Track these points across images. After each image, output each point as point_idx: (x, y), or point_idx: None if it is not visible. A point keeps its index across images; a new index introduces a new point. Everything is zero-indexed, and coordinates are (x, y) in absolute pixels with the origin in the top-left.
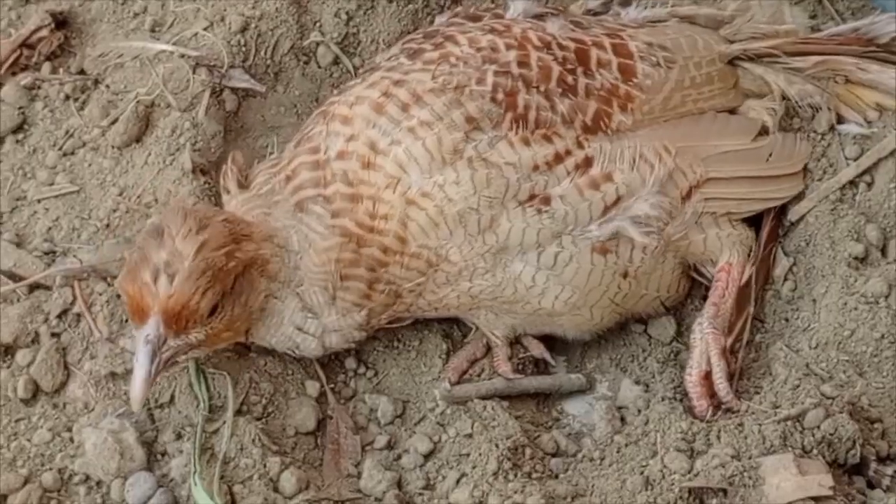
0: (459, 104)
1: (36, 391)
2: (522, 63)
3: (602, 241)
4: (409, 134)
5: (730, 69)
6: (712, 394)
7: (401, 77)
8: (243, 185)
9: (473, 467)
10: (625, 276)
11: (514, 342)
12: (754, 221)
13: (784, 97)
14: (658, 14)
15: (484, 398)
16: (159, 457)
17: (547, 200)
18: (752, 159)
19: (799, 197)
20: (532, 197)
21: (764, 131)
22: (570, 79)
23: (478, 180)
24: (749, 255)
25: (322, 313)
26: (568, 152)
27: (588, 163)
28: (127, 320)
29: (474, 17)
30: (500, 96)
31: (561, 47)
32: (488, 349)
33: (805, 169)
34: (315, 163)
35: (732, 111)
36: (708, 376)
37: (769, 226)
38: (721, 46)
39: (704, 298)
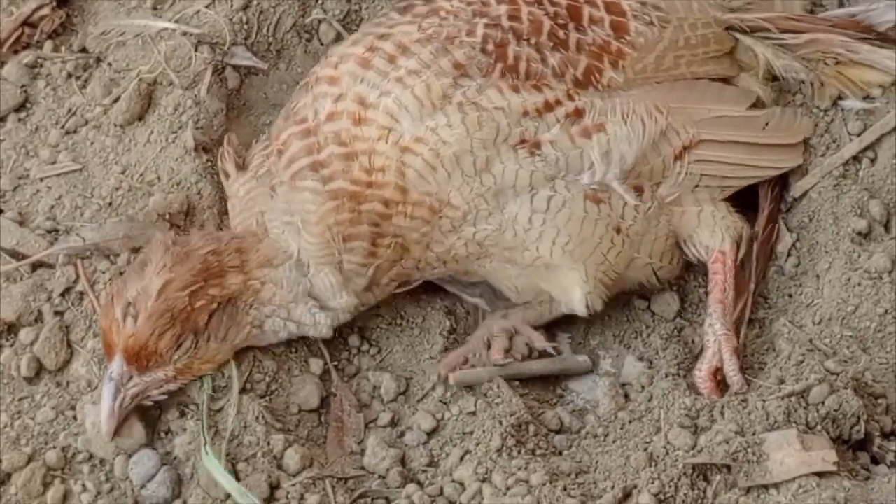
0: (447, 52)
1: (39, 369)
2: (513, 17)
3: (594, 190)
4: (397, 84)
5: (727, 35)
6: (719, 383)
7: (385, 31)
8: (241, 166)
9: (477, 444)
10: (618, 231)
11: (514, 334)
12: (753, 202)
13: (769, 69)
14: None
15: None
16: (163, 434)
17: (538, 145)
18: (748, 126)
19: (802, 172)
20: (523, 141)
21: (760, 104)
22: (561, 33)
23: (469, 123)
24: (740, 245)
25: (333, 297)
26: (558, 102)
27: (579, 113)
28: None
29: None
30: (490, 47)
31: (552, 3)
32: (488, 347)
33: (806, 143)
34: (305, 131)
35: (727, 81)
36: (717, 371)
37: (770, 203)
38: (717, 12)
39: (706, 275)
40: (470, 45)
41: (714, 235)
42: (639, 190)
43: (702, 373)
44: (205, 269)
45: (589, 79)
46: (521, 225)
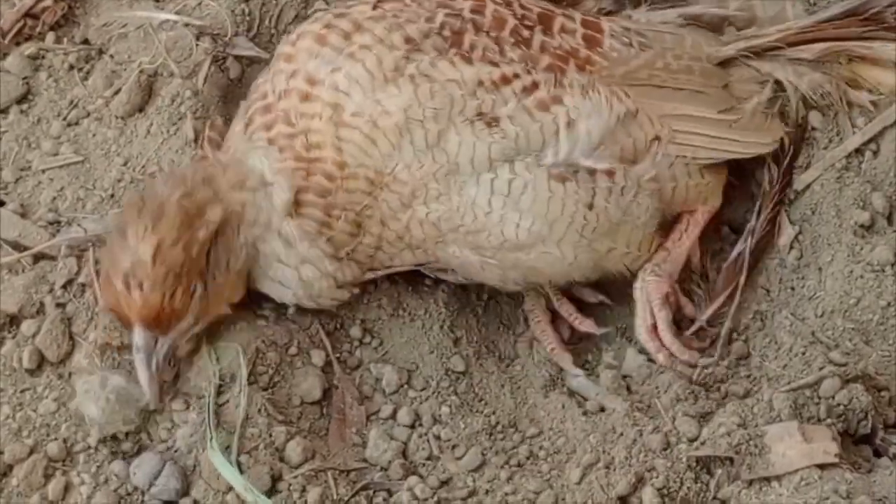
0: (399, 27)
1: (41, 361)
2: (476, 11)
3: (559, 169)
4: (348, 59)
5: (718, 70)
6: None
7: (343, 10)
8: (219, 145)
9: (478, 433)
10: (590, 207)
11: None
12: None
13: (797, 91)
14: (666, 16)
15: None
16: (165, 426)
17: (496, 120)
18: (713, 125)
19: (805, 165)
20: (480, 114)
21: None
22: (525, 33)
23: (421, 93)
24: (719, 200)
25: (295, 242)
26: (516, 75)
27: (535, 86)
28: None
29: None
30: (447, 33)
31: (523, 7)
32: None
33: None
34: (265, 107)
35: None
36: (655, 329)
37: (771, 197)
38: (713, 49)
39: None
40: (426, 25)
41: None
42: (610, 172)
43: (641, 333)
44: (185, 216)
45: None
46: (480, 208)
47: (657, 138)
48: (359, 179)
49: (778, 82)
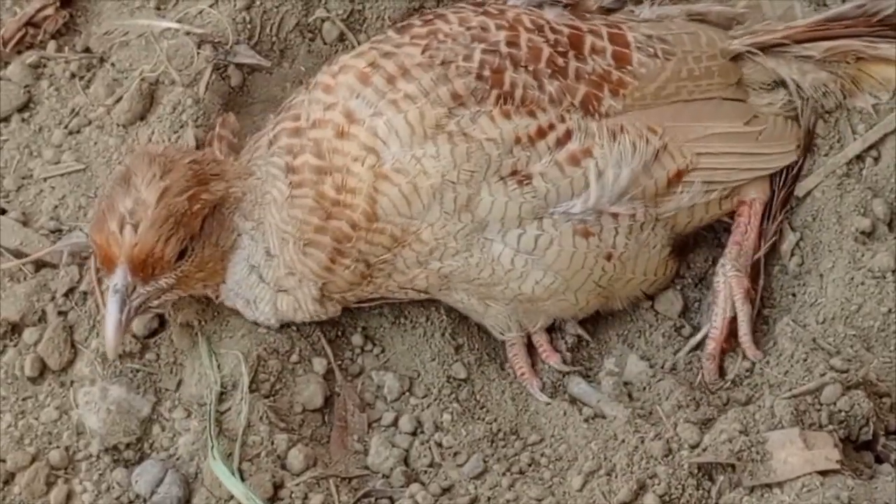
0: (447, 80)
1: (43, 369)
2: (511, 43)
3: (584, 224)
4: (391, 106)
5: (732, 65)
6: (730, 337)
7: (390, 49)
8: (235, 148)
9: (480, 441)
10: (608, 258)
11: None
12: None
13: (799, 89)
14: (670, 12)
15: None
16: (168, 434)
17: (529, 177)
18: (741, 139)
19: (806, 172)
20: (514, 173)
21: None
22: (560, 61)
23: (457, 154)
24: (771, 194)
25: (277, 257)
26: (551, 126)
27: (568, 136)
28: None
29: (478, 3)
30: (487, 73)
31: (554, 31)
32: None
33: (799, 146)
34: (295, 129)
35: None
36: (733, 323)
37: (778, 205)
38: (725, 43)
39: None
40: (467, 71)
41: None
42: (632, 215)
43: (716, 329)
44: (194, 175)
45: (587, 107)
46: (502, 266)
47: (679, 173)
48: (384, 235)
49: (779, 77)
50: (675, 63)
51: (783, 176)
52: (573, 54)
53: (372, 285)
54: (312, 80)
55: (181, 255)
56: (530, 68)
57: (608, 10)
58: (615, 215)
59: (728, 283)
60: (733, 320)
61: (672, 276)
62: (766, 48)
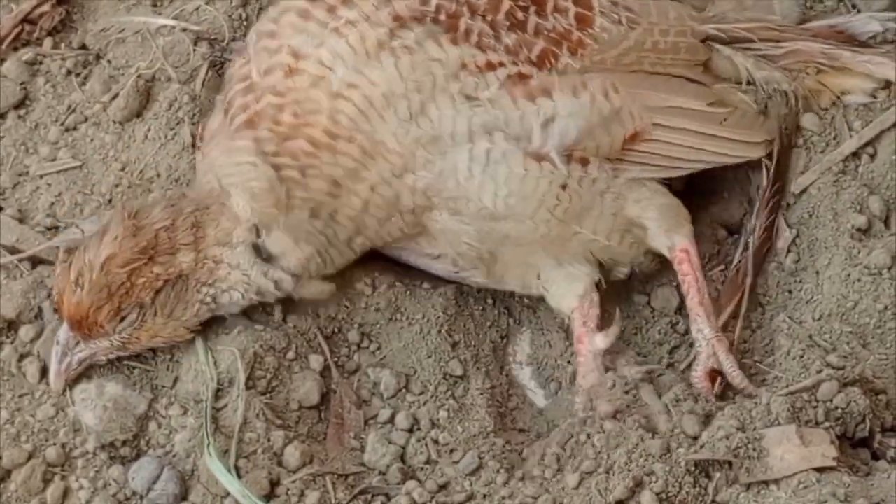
0: (388, 3)
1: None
2: None
3: (536, 149)
4: (332, 34)
5: (702, 47)
6: (715, 381)
7: None
8: None
9: (475, 437)
10: (564, 187)
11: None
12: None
13: (750, 81)
14: None
15: None
16: (164, 431)
17: (477, 101)
18: (704, 119)
19: (802, 169)
20: (462, 94)
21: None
22: (520, 14)
23: (402, 66)
24: (690, 229)
25: (286, 257)
26: (501, 63)
27: (523, 76)
28: None
29: None
30: (442, 17)
31: None
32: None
33: (769, 143)
34: (246, 88)
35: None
36: (714, 372)
37: (766, 199)
38: (695, 22)
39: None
40: (423, 14)
41: (671, 232)
42: (584, 162)
43: (697, 374)
44: (152, 247)
45: (543, 62)
46: (461, 174)
47: (635, 134)
48: (353, 145)
49: (734, 66)
50: (640, 33)
51: (765, 175)
52: (534, 10)
53: (356, 199)
54: (250, 37)
55: (123, 321)
56: (488, 18)
57: None
58: (568, 157)
59: (710, 345)
60: (714, 370)
61: (642, 259)
62: (730, 40)
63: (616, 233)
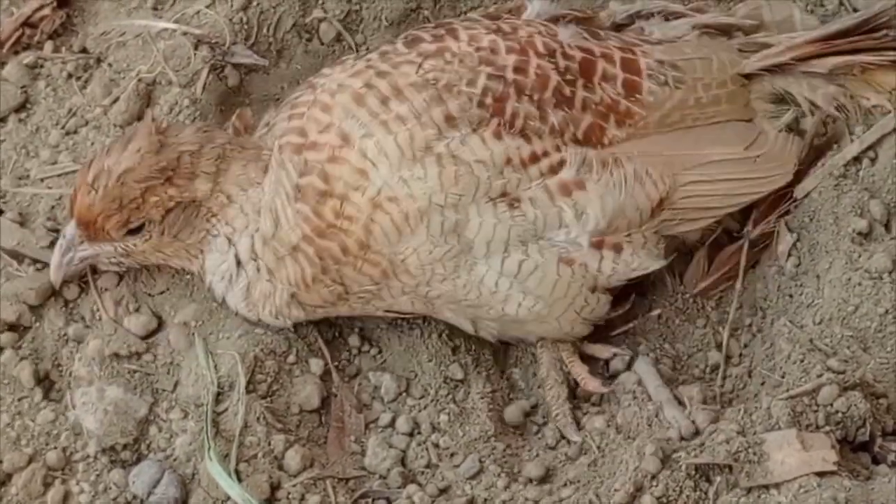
0: (441, 101)
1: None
2: (519, 69)
3: (569, 252)
4: (381, 127)
5: (741, 91)
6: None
7: (386, 69)
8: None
9: (476, 441)
10: (593, 290)
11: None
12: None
13: (812, 107)
14: (681, 29)
15: None
16: (165, 435)
17: (518, 200)
18: (739, 165)
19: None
20: (504, 195)
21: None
22: (567, 91)
23: (445, 177)
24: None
25: (259, 261)
26: (545, 153)
27: (561, 165)
28: (130, 303)
29: (493, 17)
30: (489, 100)
31: (566, 56)
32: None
33: (796, 164)
34: (299, 146)
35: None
36: (574, 390)
37: (770, 206)
38: (736, 68)
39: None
40: (468, 97)
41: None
42: (617, 248)
43: (561, 415)
44: (172, 168)
45: (590, 138)
46: (486, 287)
47: (661, 202)
48: (376, 268)
49: (790, 96)
50: (684, 91)
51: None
52: (582, 83)
53: (347, 307)
54: (315, 81)
55: (132, 232)
56: (535, 97)
57: (619, 26)
58: (599, 244)
59: (551, 378)
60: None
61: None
62: (773, 69)
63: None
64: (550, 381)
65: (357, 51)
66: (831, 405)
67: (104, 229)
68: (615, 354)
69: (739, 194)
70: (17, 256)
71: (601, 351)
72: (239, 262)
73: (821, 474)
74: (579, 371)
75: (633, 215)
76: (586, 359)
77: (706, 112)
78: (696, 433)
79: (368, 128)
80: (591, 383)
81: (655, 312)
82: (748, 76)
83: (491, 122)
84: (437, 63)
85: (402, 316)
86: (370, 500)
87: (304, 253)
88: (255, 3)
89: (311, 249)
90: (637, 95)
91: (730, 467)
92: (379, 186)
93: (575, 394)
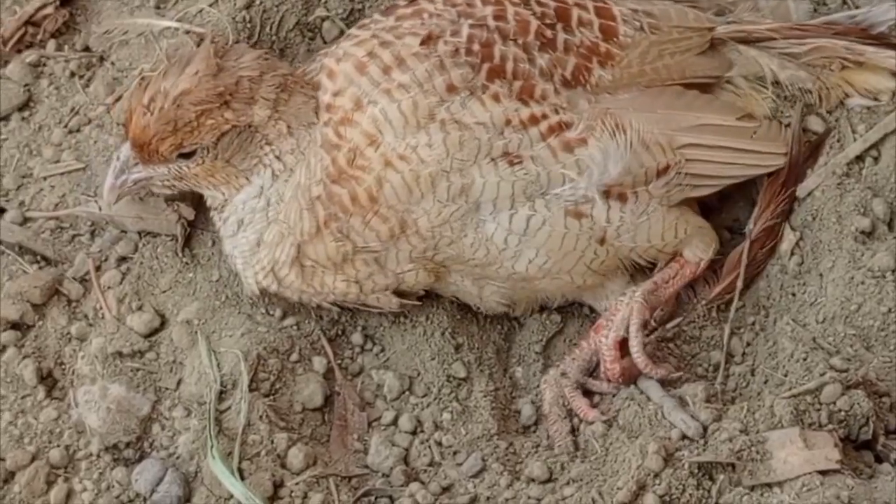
0: (443, 70)
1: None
2: (499, 17)
3: (575, 204)
4: (384, 95)
5: (707, 31)
6: (624, 355)
7: (389, 39)
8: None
9: (479, 439)
10: (601, 242)
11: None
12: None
13: (775, 82)
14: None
15: None
16: (168, 433)
17: (520, 159)
18: (735, 134)
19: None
20: (505, 154)
21: (749, 117)
22: (548, 33)
23: (450, 143)
24: (705, 261)
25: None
26: (544, 115)
27: (563, 126)
28: (133, 301)
29: None
30: (476, 47)
31: (540, 3)
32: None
33: (785, 152)
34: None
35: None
36: (624, 343)
37: (769, 204)
38: (712, 23)
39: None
40: (455, 47)
41: (693, 249)
42: (622, 198)
43: (608, 339)
44: (230, 92)
45: (578, 78)
46: (495, 245)
47: (668, 167)
48: (385, 224)
49: (758, 65)
50: (660, 35)
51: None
52: (561, 26)
53: (345, 282)
54: (319, 62)
55: (185, 156)
56: (519, 41)
57: None
58: (606, 193)
59: (630, 306)
60: (625, 341)
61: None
62: (750, 40)
63: (671, 228)
64: (553, 417)
65: None
66: (834, 404)
67: (158, 152)
68: (617, 389)
69: (738, 164)
70: (21, 253)
71: (603, 387)
72: (268, 203)
73: (824, 473)
74: (580, 405)
75: (637, 171)
76: (588, 394)
77: (680, 45)
78: (704, 434)
79: (371, 95)
80: (590, 414)
81: (672, 324)
82: (724, 43)
83: (482, 68)
84: (415, 23)
85: (404, 301)
86: (373, 498)
87: (319, 200)
88: (257, 2)
89: (324, 193)
90: (615, 39)
91: (733, 466)
92: (389, 146)
93: (577, 429)
